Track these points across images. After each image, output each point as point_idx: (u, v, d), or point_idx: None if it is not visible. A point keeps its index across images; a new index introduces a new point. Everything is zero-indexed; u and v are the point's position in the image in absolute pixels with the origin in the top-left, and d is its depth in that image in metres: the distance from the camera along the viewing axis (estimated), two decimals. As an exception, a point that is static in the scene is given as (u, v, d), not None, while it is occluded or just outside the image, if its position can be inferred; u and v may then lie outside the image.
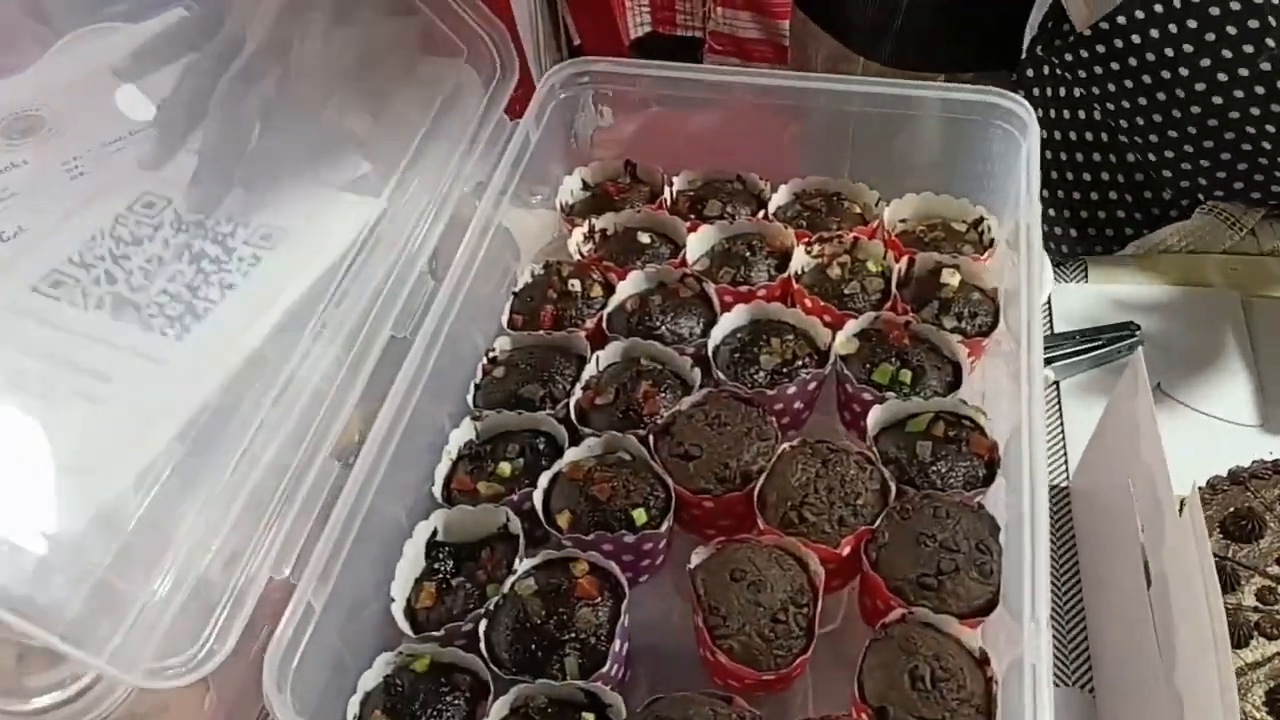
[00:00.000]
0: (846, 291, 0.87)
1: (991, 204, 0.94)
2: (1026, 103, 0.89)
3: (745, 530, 0.74)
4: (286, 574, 0.65)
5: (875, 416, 0.78)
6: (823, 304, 0.86)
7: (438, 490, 0.78)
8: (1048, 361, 1.09)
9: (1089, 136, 1.20)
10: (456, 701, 0.66)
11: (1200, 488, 0.90)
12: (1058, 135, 1.15)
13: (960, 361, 0.82)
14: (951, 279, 0.86)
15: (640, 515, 0.72)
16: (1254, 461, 0.92)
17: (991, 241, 0.92)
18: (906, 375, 0.80)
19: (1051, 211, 1.23)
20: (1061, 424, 1.06)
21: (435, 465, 0.79)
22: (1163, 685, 0.71)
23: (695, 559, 0.70)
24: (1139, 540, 0.81)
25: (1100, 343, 1.12)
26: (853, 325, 0.84)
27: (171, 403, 0.71)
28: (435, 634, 0.69)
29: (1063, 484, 1.00)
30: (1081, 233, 1.24)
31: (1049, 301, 1.15)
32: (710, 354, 0.83)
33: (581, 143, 1.04)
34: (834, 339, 0.83)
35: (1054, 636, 0.87)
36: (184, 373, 0.73)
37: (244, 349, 0.75)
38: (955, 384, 0.81)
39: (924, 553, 0.68)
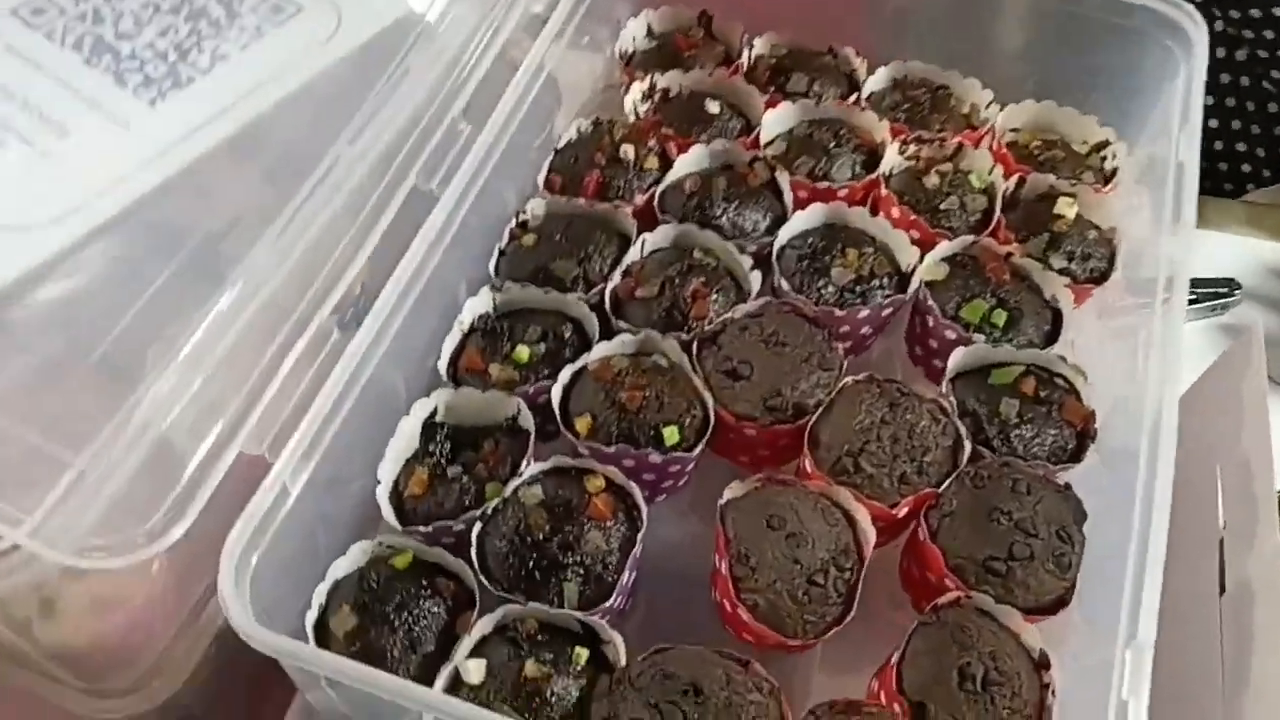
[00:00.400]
0: (942, 206, 0.75)
1: (1124, 128, 0.81)
2: (1199, 15, 0.75)
3: (786, 465, 0.65)
4: (263, 450, 0.55)
5: (957, 359, 0.67)
6: (913, 216, 0.74)
7: (443, 366, 0.68)
8: (1132, 311, 0.98)
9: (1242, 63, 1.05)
10: (436, 609, 0.58)
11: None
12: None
13: (1064, 309, 0.70)
14: (1068, 210, 0.74)
15: (672, 434, 0.63)
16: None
17: (1114, 172, 0.79)
18: (1001, 317, 0.69)
19: None
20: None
21: (445, 336, 0.68)
22: (1219, 709, 0.63)
23: (729, 494, 0.61)
24: (1218, 536, 0.72)
25: (1194, 297, 1.01)
26: (945, 247, 0.72)
27: (127, 176, 0.60)
28: (422, 528, 0.61)
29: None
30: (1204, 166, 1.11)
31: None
32: (775, 256, 0.72)
33: (654, -20, 0.89)
34: (920, 260, 0.71)
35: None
36: (149, 144, 0.62)
37: (220, 133, 0.63)
38: (1054, 335, 0.70)
39: (995, 531, 0.59)
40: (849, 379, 0.65)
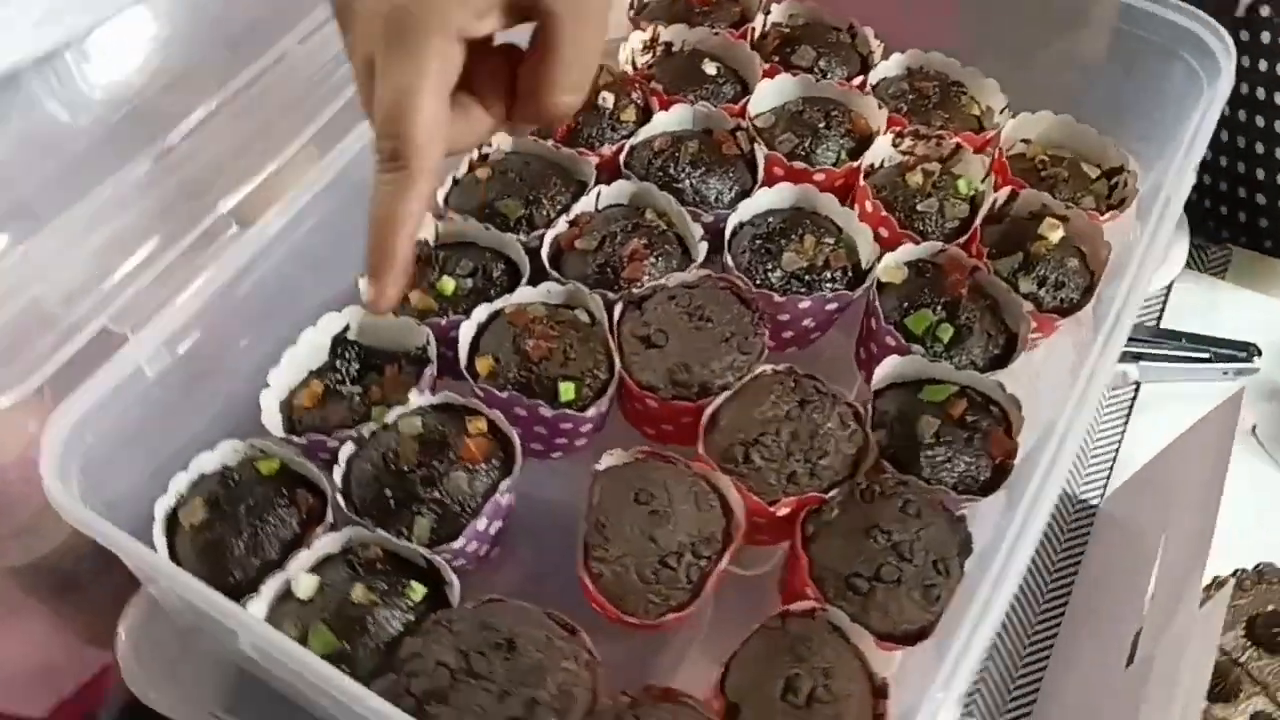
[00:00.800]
0: (919, 207, 0.71)
1: (1143, 154, 0.75)
2: (1229, 38, 0.69)
3: (689, 445, 0.62)
4: (126, 330, 0.54)
5: (888, 368, 0.63)
6: (884, 213, 0.70)
7: (364, 283, 0.66)
8: (1136, 357, 0.92)
9: None
10: (288, 519, 0.57)
11: (1243, 571, 0.74)
12: (1261, 92, 0.92)
13: (1019, 334, 0.66)
14: (1052, 233, 0.69)
15: (568, 390, 0.61)
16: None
17: (1123, 201, 0.74)
18: (946, 332, 0.65)
19: (1220, 183, 1.01)
20: (1123, 434, 0.89)
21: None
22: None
23: (605, 461, 0.59)
24: (1142, 607, 0.67)
25: (1207, 356, 0.94)
26: (908, 250, 0.68)
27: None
28: (298, 439, 0.60)
29: (1094, 501, 0.85)
30: (1246, 219, 1.03)
31: (1169, 288, 0.96)
32: (729, 230, 0.69)
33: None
34: (880, 259, 0.67)
35: (1005, 665, 0.74)
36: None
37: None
38: (1002, 361, 0.65)
39: (869, 548, 0.55)
40: (766, 368, 0.62)
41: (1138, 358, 0.93)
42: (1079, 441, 0.55)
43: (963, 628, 0.48)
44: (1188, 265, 0.96)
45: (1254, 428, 0.90)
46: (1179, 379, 0.93)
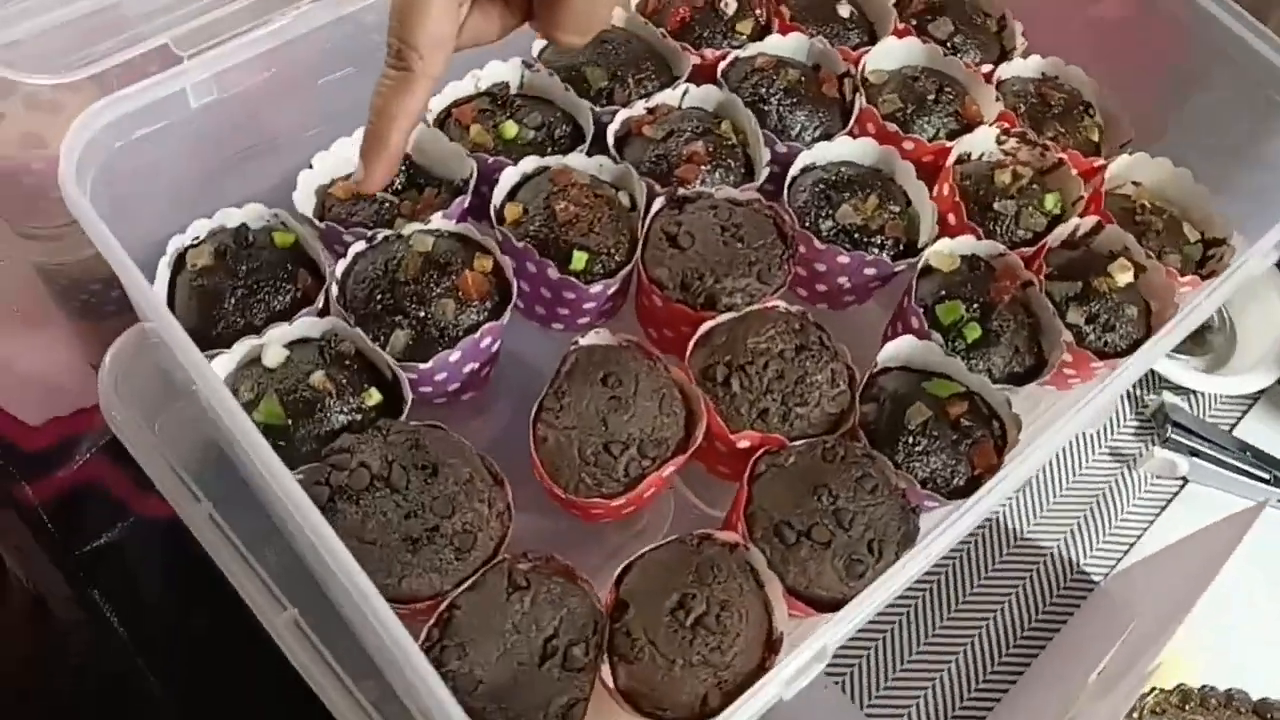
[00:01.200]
0: (996, 206, 0.68)
1: (1254, 230, 0.70)
2: None
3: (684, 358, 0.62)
4: (184, 53, 0.55)
5: (898, 348, 0.62)
6: (957, 199, 0.67)
7: (437, 103, 0.67)
8: (1192, 452, 0.88)
9: None
10: (284, 291, 0.59)
11: (1211, 689, 0.71)
12: None
13: (1049, 361, 0.63)
14: (1120, 274, 0.66)
15: (580, 259, 0.60)
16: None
17: (1213, 274, 0.70)
18: (974, 331, 0.63)
19: None
20: (1151, 523, 0.86)
21: (450, 80, 0.68)
22: None
23: (589, 338, 0.59)
24: (1090, 680, 0.65)
25: (1268, 478, 0.89)
26: (967, 242, 0.66)
27: None
28: (318, 223, 0.61)
29: (1097, 577, 0.82)
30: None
31: (1259, 395, 0.91)
32: (797, 166, 0.67)
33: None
34: (935, 242, 0.65)
35: (948, 699, 0.73)
36: None
37: None
38: (1021, 381, 0.63)
39: (810, 504, 0.55)
40: (780, 304, 0.61)
41: (1194, 453, 0.88)
42: (1016, 485, 0.53)
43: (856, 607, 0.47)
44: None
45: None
46: (1229, 489, 0.88)
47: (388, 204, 0.63)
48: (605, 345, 0.58)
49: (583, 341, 0.58)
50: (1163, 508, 0.86)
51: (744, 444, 0.57)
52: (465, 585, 0.51)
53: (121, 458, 0.59)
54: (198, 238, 0.60)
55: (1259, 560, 0.75)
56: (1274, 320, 0.94)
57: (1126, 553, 0.83)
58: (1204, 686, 0.71)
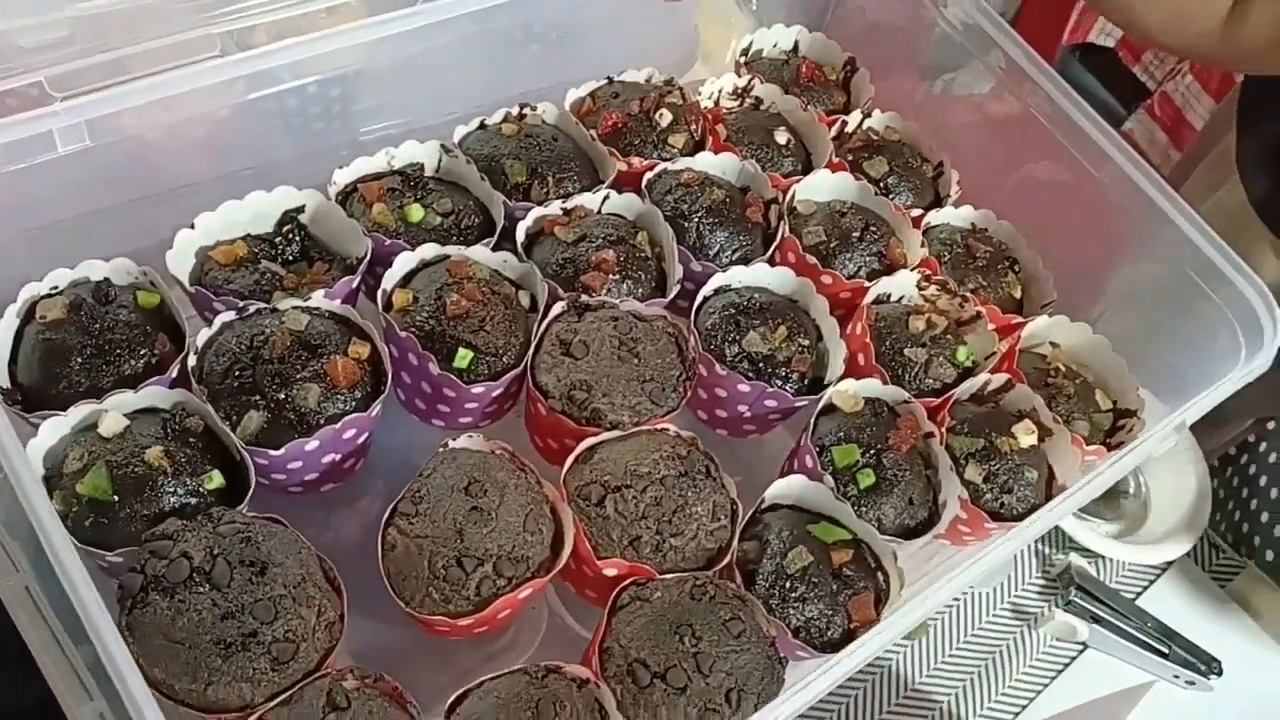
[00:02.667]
0: (907, 352, 0.66)
1: (1168, 403, 0.69)
2: (1273, 302, 0.63)
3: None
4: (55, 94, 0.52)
5: (788, 487, 0.59)
6: (868, 340, 0.66)
7: (342, 176, 0.64)
8: (1095, 619, 0.85)
9: None
10: (138, 353, 0.55)
11: None
12: None
13: (942, 516, 0.60)
14: (1025, 436, 0.64)
15: (464, 357, 0.57)
16: None
17: (1120, 445, 0.68)
18: (867, 478, 0.60)
19: None
20: (1045, 686, 0.82)
21: (358, 156, 0.65)
22: None
23: (461, 441, 0.55)
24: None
25: (1165, 651, 0.86)
26: (872, 385, 0.64)
27: None
28: (189, 286, 0.58)
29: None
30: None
31: (1165, 568, 0.89)
32: (710, 287, 0.65)
33: None
34: (841, 381, 0.63)
35: None
36: None
37: None
38: (912, 533, 0.60)
39: (671, 644, 0.51)
40: (671, 428, 0.58)
41: (1095, 619, 0.86)
42: (888, 642, 0.50)
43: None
44: (1196, 561, 0.89)
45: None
46: (1127, 659, 0.85)
47: (270, 274, 0.60)
48: (476, 450, 0.55)
49: (452, 444, 0.55)
50: (1059, 671, 0.83)
51: (611, 572, 0.53)
52: (279, 699, 0.46)
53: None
54: (55, 288, 0.56)
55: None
56: (1188, 491, 0.92)
57: (1018, 715, 0.79)
58: None
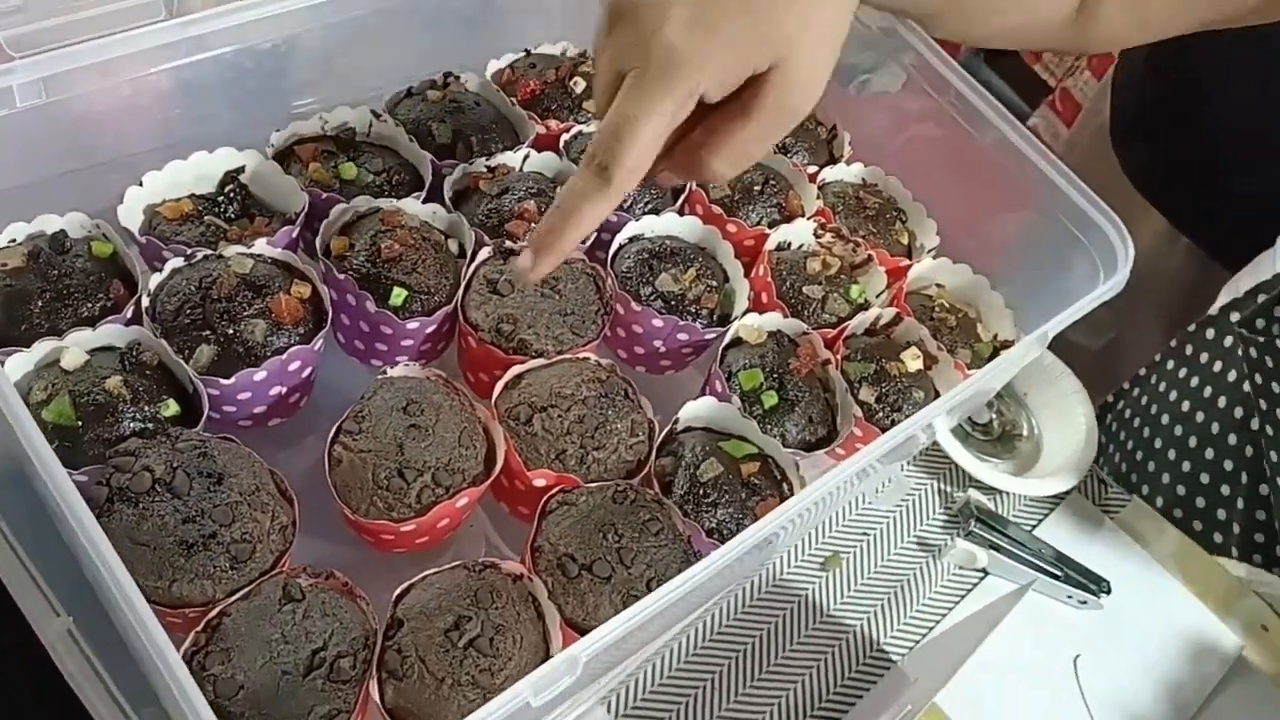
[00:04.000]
0: (805, 289, 0.73)
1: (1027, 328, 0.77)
2: (1125, 234, 0.71)
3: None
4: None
5: (700, 409, 0.65)
6: (769, 279, 0.72)
7: (277, 138, 0.69)
8: (992, 545, 0.93)
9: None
10: (94, 300, 0.59)
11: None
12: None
13: (839, 432, 0.67)
14: (911, 362, 0.71)
15: (399, 295, 0.62)
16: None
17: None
18: (770, 399, 0.66)
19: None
20: (950, 609, 0.89)
21: (290, 120, 0.70)
22: None
23: (398, 370, 0.60)
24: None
25: (1059, 574, 0.94)
26: (774, 318, 0.70)
27: None
28: (140, 237, 0.62)
29: (897, 658, 0.85)
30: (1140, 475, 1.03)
31: (1061, 498, 0.97)
32: (625, 234, 0.71)
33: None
34: (744, 316, 0.69)
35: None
36: None
37: None
38: (812, 448, 0.67)
39: (596, 540, 0.56)
40: (591, 356, 0.64)
41: (994, 546, 0.93)
42: (782, 522, 0.55)
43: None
44: (1087, 496, 0.97)
45: (1076, 658, 0.90)
46: (1023, 583, 0.93)
47: (215, 228, 0.64)
48: (413, 376, 0.60)
49: (391, 372, 0.60)
50: (962, 596, 0.90)
51: (540, 482, 0.59)
52: (238, 594, 0.51)
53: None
54: (13, 240, 0.60)
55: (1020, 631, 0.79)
56: (1077, 432, 1.01)
57: (925, 635, 0.86)
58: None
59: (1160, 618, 0.93)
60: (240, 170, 0.67)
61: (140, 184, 0.64)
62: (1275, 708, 0.87)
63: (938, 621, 0.88)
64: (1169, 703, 0.87)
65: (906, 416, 0.70)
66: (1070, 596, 0.93)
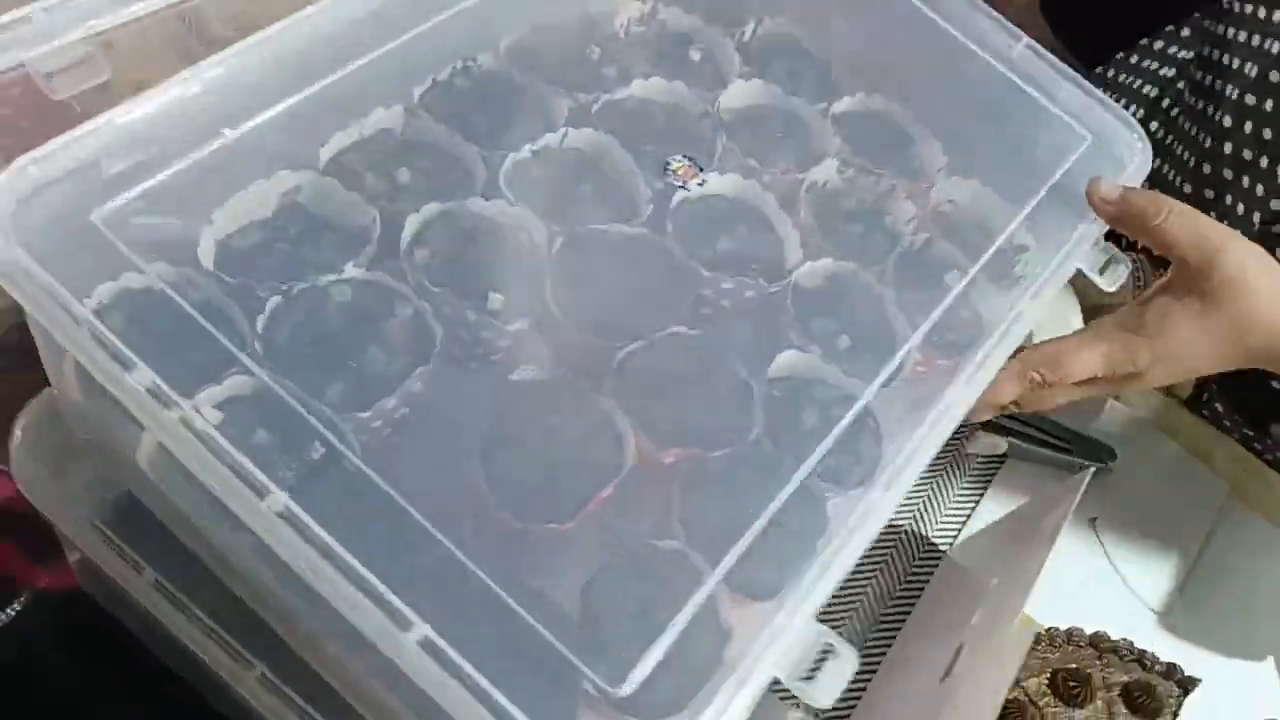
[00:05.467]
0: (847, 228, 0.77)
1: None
2: (1141, 131, 0.78)
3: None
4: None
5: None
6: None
7: (327, 151, 0.68)
8: (1008, 432, 1.01)
9: None
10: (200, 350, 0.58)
11: (1055, 630, 0.83)
12: None
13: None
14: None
15: (496, 300, 0.64)
16: (1124, 639, 0.85)
17: (1019, 279, 0.81)
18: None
19: None
20: (981, 495, 0.98)
21: (337, 129, 0.69)
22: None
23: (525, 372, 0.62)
24: (963, 631, 0.75)
25: (1071, 450, 1.04)
26: (829, 264, 0.74)
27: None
28: (228, 278, 0.61)
29: (943, 547, 0.93)
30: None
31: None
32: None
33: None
34: (802, 265, 0.73)
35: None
36: None
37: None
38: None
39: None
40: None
41: (1008, 432, 1.01)
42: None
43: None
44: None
45: (1094, 520, 0.99)
46: (1042, 463, 1.02)
47: (289, 255, 0.64)
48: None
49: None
50: (988, 483, 0.99)
51: (670, 458, 0.62)
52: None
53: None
54: (103, 303, 0.58)
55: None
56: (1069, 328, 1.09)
57: (964, 524, 0.94)
58: (1050, 628, 0.83)
59: (1157, 476, 1.03)
60: (297, 190, 0.66)
61: (211, 221, 0.63)
62: (1266, 540, 0.99)
63: (972, 509, 0.96)
64: (1174, 544, 0.97)
65: (957, 337, 0.76)
66: (1083, 467, 1.03)
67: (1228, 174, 1.01)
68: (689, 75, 0.82)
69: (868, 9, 0.91)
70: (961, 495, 0.96)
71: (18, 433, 0.60)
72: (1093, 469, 0.97)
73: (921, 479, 0.95)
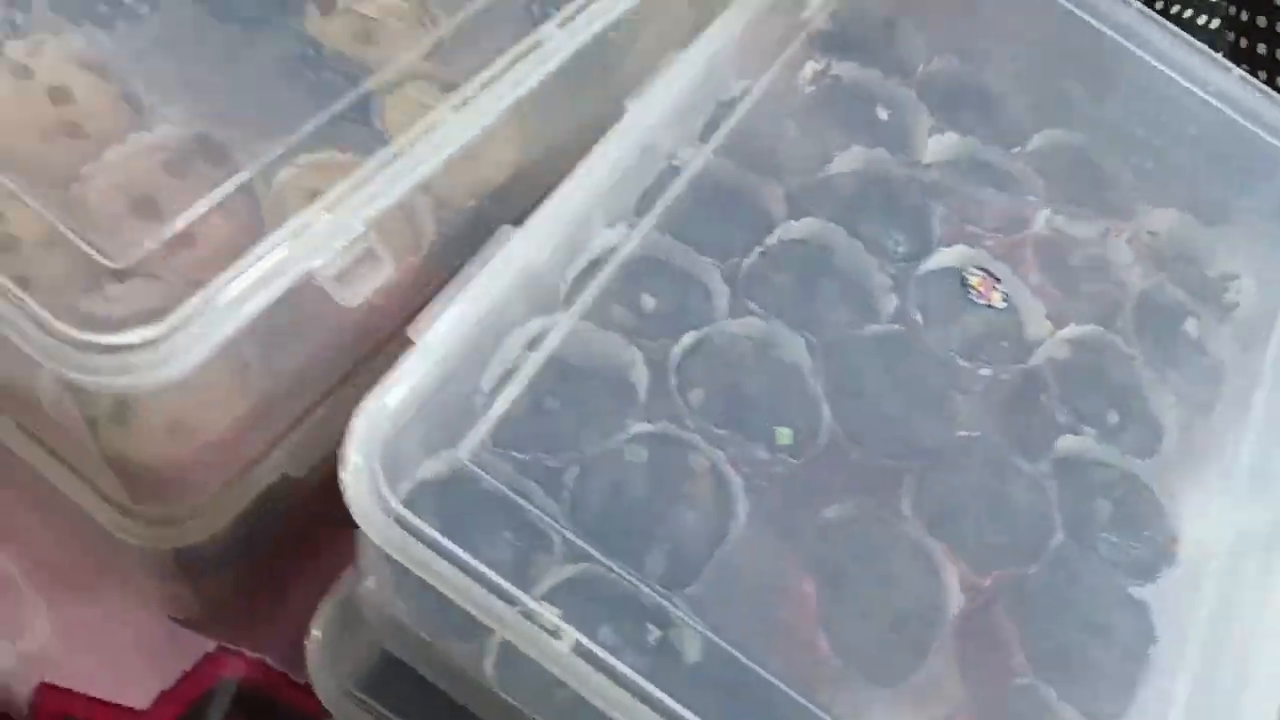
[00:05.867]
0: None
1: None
2: None
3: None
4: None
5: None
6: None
7: (563, 289, 0.65)
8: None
9: None
10: (510, 539, 0.56)
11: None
12: None
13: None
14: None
15: (785, 435, 0.61)
16: None
17: (1234, 306, 0.80)
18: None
19: None
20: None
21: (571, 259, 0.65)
22: None
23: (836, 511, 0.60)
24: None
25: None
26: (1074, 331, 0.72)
27: None
28: (518, 454, 0.58)
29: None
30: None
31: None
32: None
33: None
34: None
35: None
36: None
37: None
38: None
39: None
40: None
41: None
42: None
43: None
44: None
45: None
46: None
47: (564, 415, 0.61)
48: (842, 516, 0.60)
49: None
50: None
51: (987, 581, 0.61)
52: None
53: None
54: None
55: None
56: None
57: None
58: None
59: None
60: (545, 338, 0.63)
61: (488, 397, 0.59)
62: None
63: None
64: None
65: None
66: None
67: None
68: (882, 137, 0.78)
69: (1031, 28, 0.88)
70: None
71: (317, 634, 0.58)
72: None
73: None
